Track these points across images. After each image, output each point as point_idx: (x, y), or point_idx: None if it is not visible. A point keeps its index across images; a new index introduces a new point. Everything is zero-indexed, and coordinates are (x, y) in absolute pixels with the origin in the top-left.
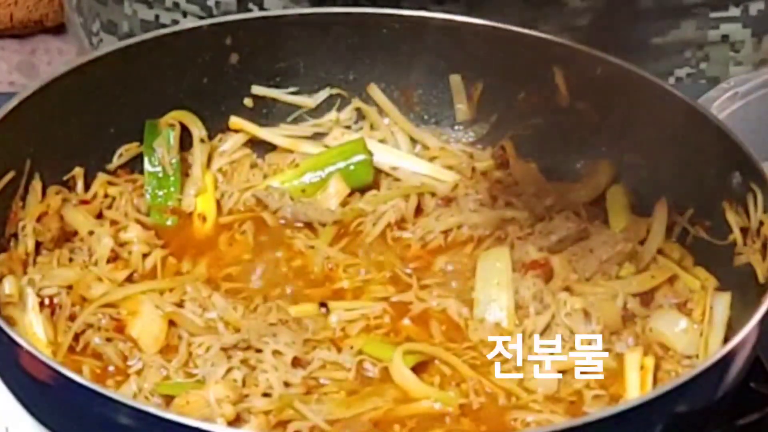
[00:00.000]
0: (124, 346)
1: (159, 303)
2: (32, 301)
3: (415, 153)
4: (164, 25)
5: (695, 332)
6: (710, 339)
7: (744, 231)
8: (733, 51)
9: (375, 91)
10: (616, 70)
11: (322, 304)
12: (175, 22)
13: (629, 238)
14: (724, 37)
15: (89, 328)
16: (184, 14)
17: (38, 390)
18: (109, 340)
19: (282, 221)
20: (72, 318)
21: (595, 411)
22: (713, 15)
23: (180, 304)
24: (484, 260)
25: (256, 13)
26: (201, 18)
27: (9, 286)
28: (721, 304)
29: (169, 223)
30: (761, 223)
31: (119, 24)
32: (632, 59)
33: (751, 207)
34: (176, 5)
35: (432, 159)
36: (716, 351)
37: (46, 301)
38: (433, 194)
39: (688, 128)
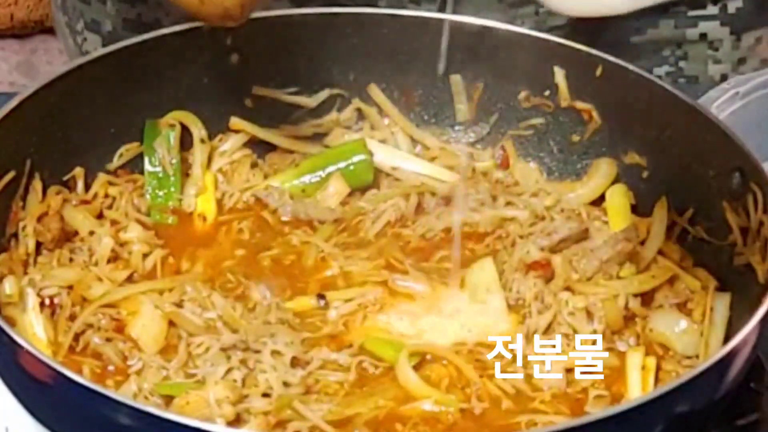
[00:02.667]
0: (124, 346)
1: (159, 303)
2: (32, 301)
3: (415, 153)
4: (146, 24)
5: (695, 332)
6: (710, 339)
7: (744, 231)
8: (712, 49)
9: (375, 91)
10: (616, 69)
11: (320, 297)
12: (158, 20)
13: (630, 238)
14: (703, 36)
15: (89, 328)
16: (167, 13)
17: (38, 390)
18: (108, 340)
19: (283, 219)
20: (72, 318)
21: (596, 411)
22: (691, 13)
23: (179, 304)
24: (469, 276)
25: (257, 13)
26: (184, 16)
27: (9, 286)
28: (722, 304)
29: (169, 221)
30: (761, 224)
31: (102, 22)
32: None
33: (751, 207)
34: (158, 3)
35: (432, 159)
36: (716, 351)
37: (47, 302)
38: (433, 194)
39: (689, 128)
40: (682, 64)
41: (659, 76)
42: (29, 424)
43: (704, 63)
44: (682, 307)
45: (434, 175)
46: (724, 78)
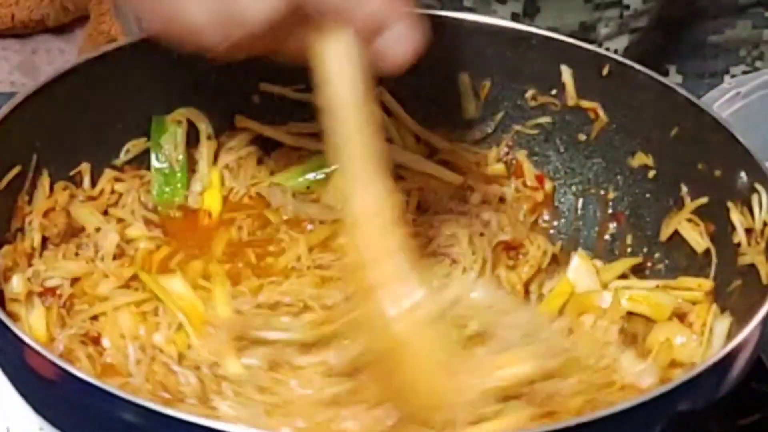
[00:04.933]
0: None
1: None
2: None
3: (421, 152)
4: None
5: (695, 344)
6: (708, 351)
7: (748, 231)
8: None
9: (381, 89)
10: (623, 69)
11: None
12: None
13: None
14: None
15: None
16: None
17: (42, 387)
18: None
19: (284, 217)
20: (66, 307)
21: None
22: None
23: None
24: None
25: None
26: None
27: (17, 284)
28: (721, 326)
29: (175, 217)
30: (766, 224)
31: None
32: (690, 58)
33: (756, 207)
34: None
35: (438, 158)
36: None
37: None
38: (436, 192)
39: (695, 128)
40: (758, 63)
41: (735, 76)
42: (33, 420)
43: None
44: (683, 320)
45: (439, 175)
46: None
